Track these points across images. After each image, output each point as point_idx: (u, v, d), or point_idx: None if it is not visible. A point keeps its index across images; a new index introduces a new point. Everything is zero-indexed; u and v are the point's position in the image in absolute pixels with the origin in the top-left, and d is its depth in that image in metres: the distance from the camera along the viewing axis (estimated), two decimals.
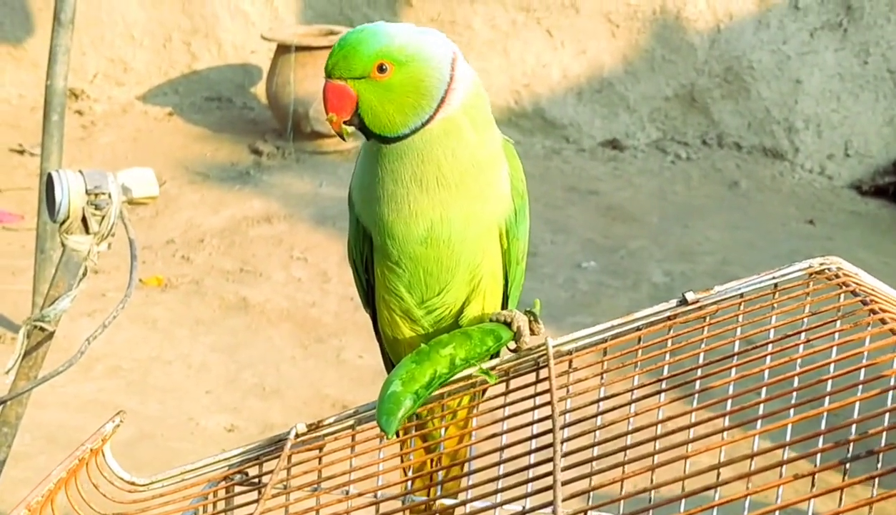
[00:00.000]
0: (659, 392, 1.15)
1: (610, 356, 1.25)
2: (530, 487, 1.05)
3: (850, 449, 0.93)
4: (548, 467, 1.02)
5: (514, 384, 1.28)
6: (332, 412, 1.31)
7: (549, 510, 0.96)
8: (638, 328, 1.28)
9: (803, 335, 1.16)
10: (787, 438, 1.01)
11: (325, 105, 1.23)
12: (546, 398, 1.18)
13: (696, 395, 1.14)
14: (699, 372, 1.16)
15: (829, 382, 1.05)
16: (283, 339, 3.82)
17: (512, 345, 1.31)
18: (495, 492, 1.13)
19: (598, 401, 1.18)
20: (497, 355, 1.31)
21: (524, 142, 5.72)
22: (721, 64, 5.72)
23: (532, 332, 1.31)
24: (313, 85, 5.26)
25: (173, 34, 6.13)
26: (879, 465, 0.96)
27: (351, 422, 1.28)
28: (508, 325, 1.29)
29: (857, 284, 1.22)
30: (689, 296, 1.29)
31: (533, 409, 1.21)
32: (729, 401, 1.13)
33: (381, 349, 1.41)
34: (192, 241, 4.56)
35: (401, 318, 1.31)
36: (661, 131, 5.83)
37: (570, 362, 1.27)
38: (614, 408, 1.16)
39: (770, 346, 1.16)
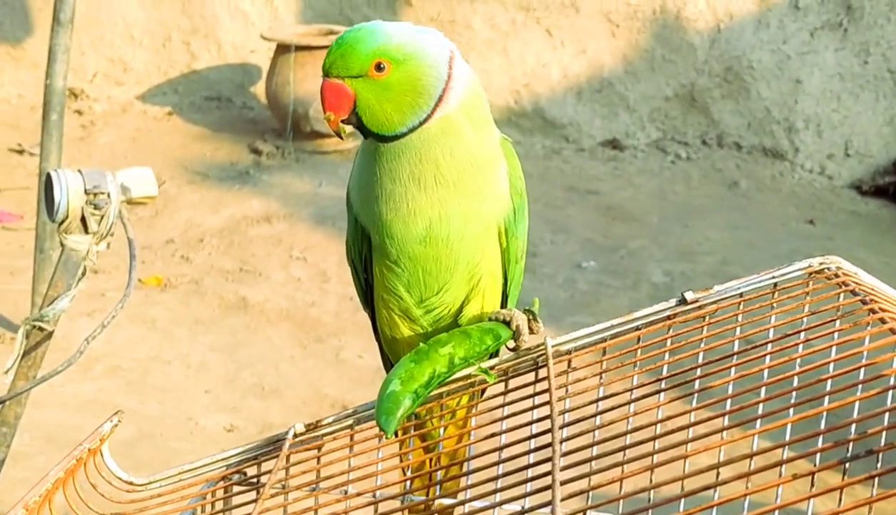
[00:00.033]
0: (658, 392, 1.15)
1: (609, 356, 1.25)
2: (529, 487, 1.05)
3: (850, 449, 0.93)
4: (547, 466, 1.01)
5: (513, 383, 1.28)
6: (332, 412, 1.31)
7: (547, 509, 0.96)
8: (637, 328, 1.28)
9: (803, 334, 1.16)
10: (787, 437, 1.00)
11: (323, 104, 1.23)
12: (545, 397, 1.18)
13: (696, 394, 1.14)
14: (698, 372, 1.16)
15: (829, 381, 1.04)
16: (282, 339, 3.82)
17: (511, 344, 1.31)
18: (494, 492, 1.12)
19: (597, 401, 1.18)
20: (496, 354, 1.31)
21: (524, 142, 5.71)
22: (721, 64, 5.72)
23: (531, 331, 1.31)
24: (313, 85, 5.26)
25: (173, 34, 6.13)
26: (879, 465, 0.96)
27: (349, 422, 1.28)
28: (507, 324, 1.29)
29: (856, 283, 1.22)
30: (689, 296, 1.29)
31: (532, 408, 1.20)
32: (728, 401, 1.13)
33: (380, 349, 1.41)
34: (191, 241, 4.56)
35: (400, 317, 1.31)
36: (661, 131, 5.83)
37: (570, 361, 1.27)
38: (613, 408, 1.16)
39: (769, 345, 1.16)
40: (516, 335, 1.29)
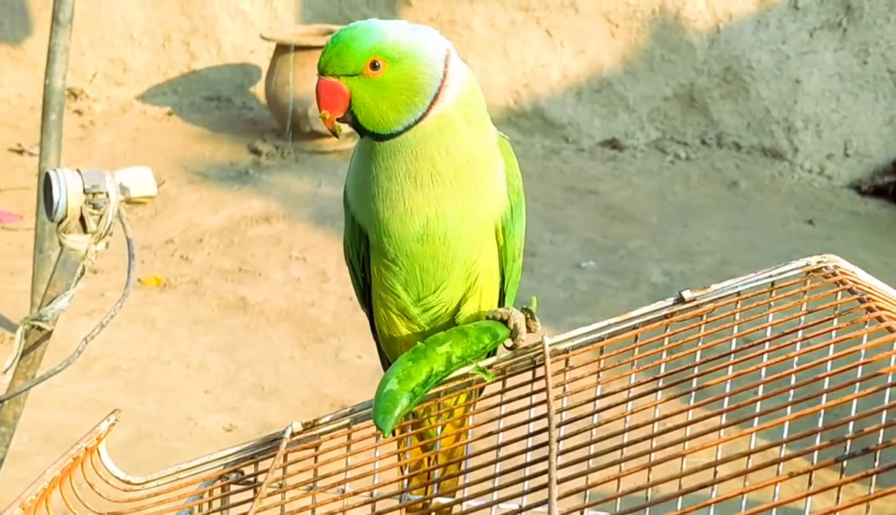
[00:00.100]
0: (655, 390, 1.15)
1: (606, 355, 1.25)
2: (526, 485, 1.05)
3: (847, 447, 0.92)
4: (544, 465, 1.01)
5: (510, 382, 1.27)
6: (331, 412, 1.31)
7: (545, 508, 0.96)
8: (635, 327, 1.27)
9: (800, 332, 1.16)
10: (784, 436, 1.00)
11: (319, 102, 1.23)
12: (542, 396, 1.18)
13: (693, 393, 1.14)
14: (696, 370, 1.16)
15: (826, 380, 1.04)
16: (281, 339, 3.82)
17: (509, 343, 1.30)
18: (491, 490, 1.12)
19: (594, 399, 1.17)
20: (494, 353, 1.31)
21: (523, 142, 5.71)
22: (720, 64, 5.72)
23: (529, 329, 1.30)
24: (312, 85, 5.17)
25: (172, 34, 6.13)
26: (876, 463, 0.96)
27: (347, 421, 1.28)
28: (505, 322, 1.29)
29: (854, 282, 1.22)
30: (686, 294, 1.29)
31: (529, 407, 1.20)
32: (726, 399, 1.12)
33: (378, 348, 1.41)
34: (190, 240, 4.56)
35: (397, 316, 1.31)
36: (660, 131, 5.83)
37: (567, 360, 1.26)
38: (611, 406, 1.16)
39: (767, 344, 1.16)
40: (514, 334, 1.29)
